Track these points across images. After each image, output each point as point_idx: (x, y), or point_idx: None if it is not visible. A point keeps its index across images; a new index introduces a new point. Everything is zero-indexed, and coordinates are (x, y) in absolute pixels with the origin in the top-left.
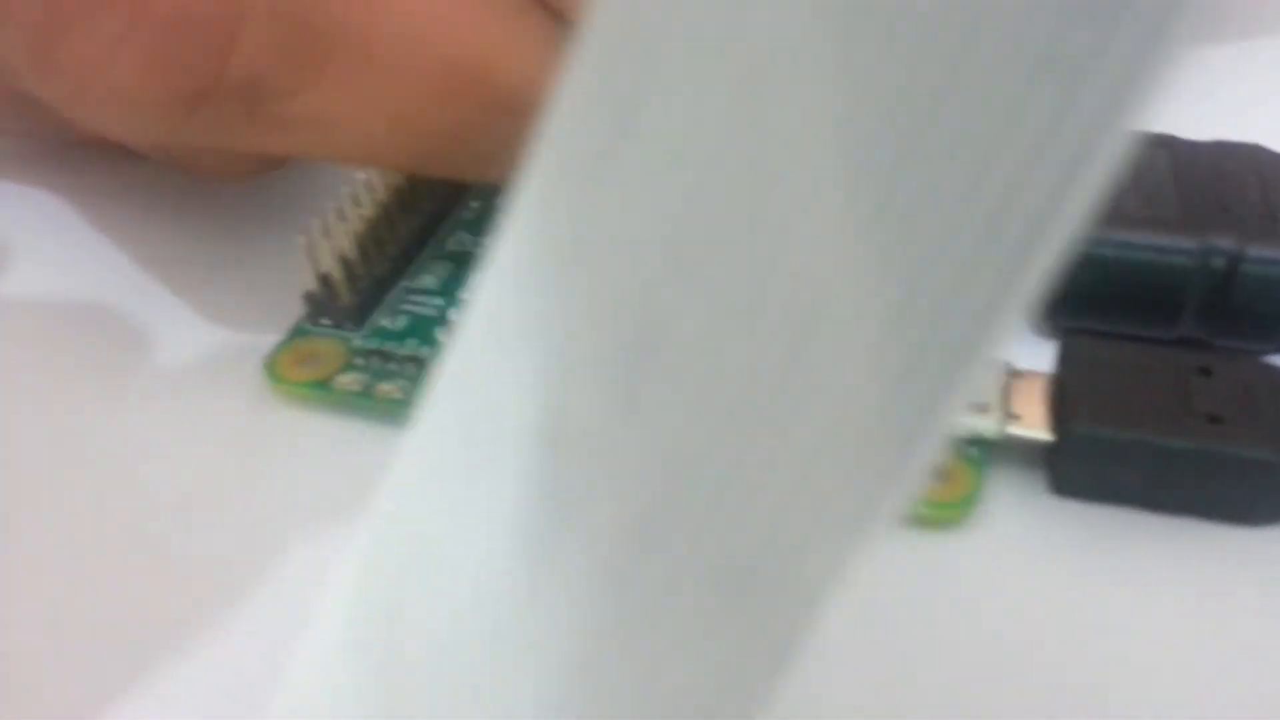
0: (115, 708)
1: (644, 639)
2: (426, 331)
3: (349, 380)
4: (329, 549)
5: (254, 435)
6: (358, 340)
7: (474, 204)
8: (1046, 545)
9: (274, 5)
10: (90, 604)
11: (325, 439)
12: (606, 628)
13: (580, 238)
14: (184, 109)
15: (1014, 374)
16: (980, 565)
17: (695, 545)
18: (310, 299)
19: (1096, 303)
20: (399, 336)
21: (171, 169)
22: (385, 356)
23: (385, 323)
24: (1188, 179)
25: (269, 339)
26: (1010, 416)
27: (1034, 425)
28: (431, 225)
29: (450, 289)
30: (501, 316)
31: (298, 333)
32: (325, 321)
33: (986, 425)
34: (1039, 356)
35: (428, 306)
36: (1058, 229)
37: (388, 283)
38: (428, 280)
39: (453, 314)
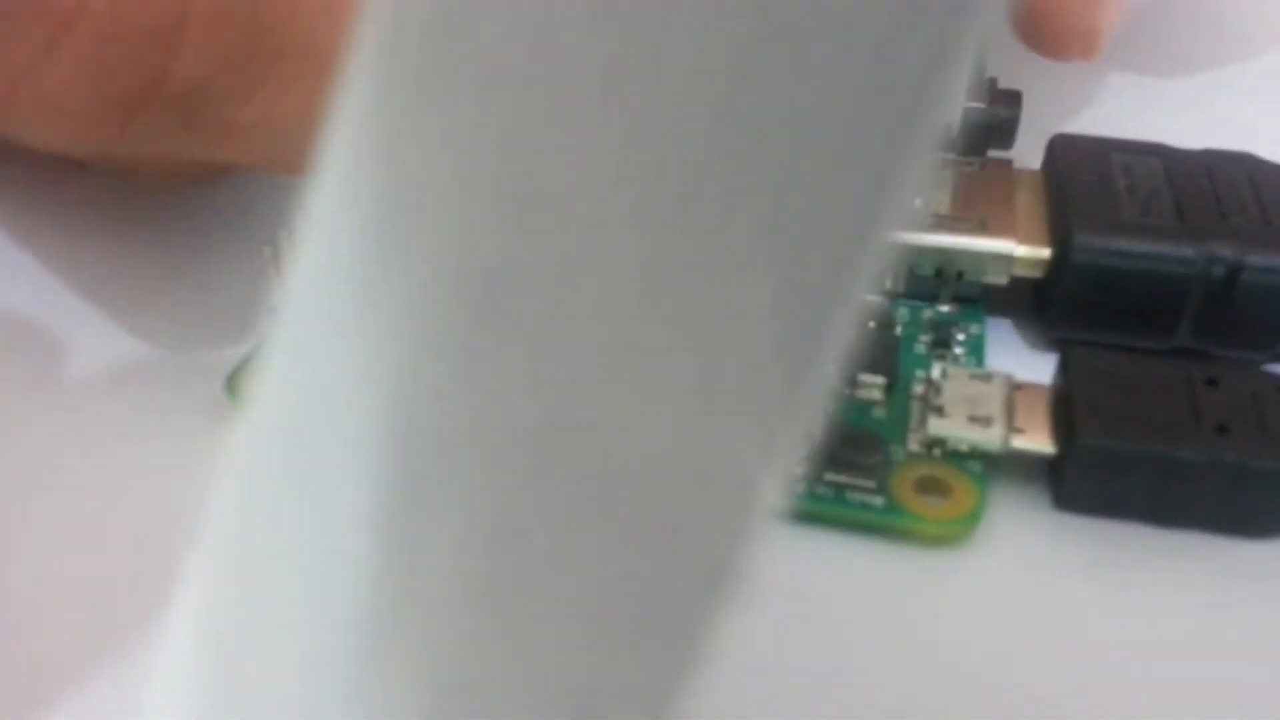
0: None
1: (525, 632)
2: None
3: None
4: None
5: (215, 454)
6: None
7: None
8: (1051, 561)
9: (217, 7)
10: (42, 624)
11: None
12: (484, 628)
13: (406, 191)
14: (121, 117)
15: (1015, 386)
16: (984, 583)
17: (574, 518)
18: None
19: (1095, 313)
20: None
21: (118, 178)
22: None
23: None
24: (1183, 187)
25: (231, 354)
26: (1013, 430)
27: (1037, 438)
28: None
29: None
30: (326, 299)
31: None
32: None
33: (989, 439)
34: (1038, 369)
35: None
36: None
37: None
38: None
39: None
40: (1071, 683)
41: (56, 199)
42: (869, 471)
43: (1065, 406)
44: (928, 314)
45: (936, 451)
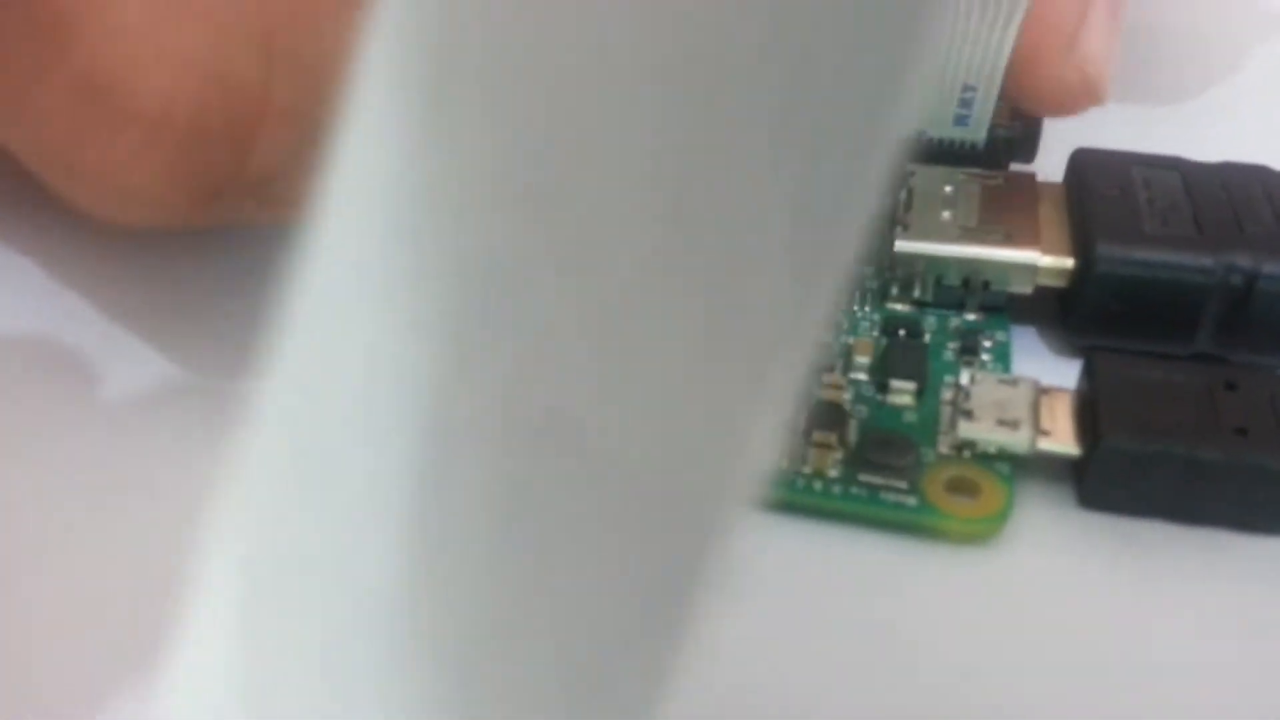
0: None
1: (541, 596)
2: None
3: None
4: None
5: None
6: None
7: None
8: (1076, 558)
9: (292, 106)
10: (85, 646)
11: None
12: (505, 594)
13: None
14: (201, 204)
15: (1041, 391)
16: (1013, 579)
17: (582, 486)
18: None
19: (1117, 320)
20: None
21: None
22: None
23: None
24: (1201, 200)
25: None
26: (1039, 432)
27: (1063, 440)
28: None
29: None
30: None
31: None
32: None
33: (1016, 441)
34: (1063, 374)
35: None
36: None
37: None
38: None
39: None
40: (1098, 675)
41: (93, 222)
42: (902, 473)
43: (1090, 410)
44: (955, 322)
45: (966, 453)
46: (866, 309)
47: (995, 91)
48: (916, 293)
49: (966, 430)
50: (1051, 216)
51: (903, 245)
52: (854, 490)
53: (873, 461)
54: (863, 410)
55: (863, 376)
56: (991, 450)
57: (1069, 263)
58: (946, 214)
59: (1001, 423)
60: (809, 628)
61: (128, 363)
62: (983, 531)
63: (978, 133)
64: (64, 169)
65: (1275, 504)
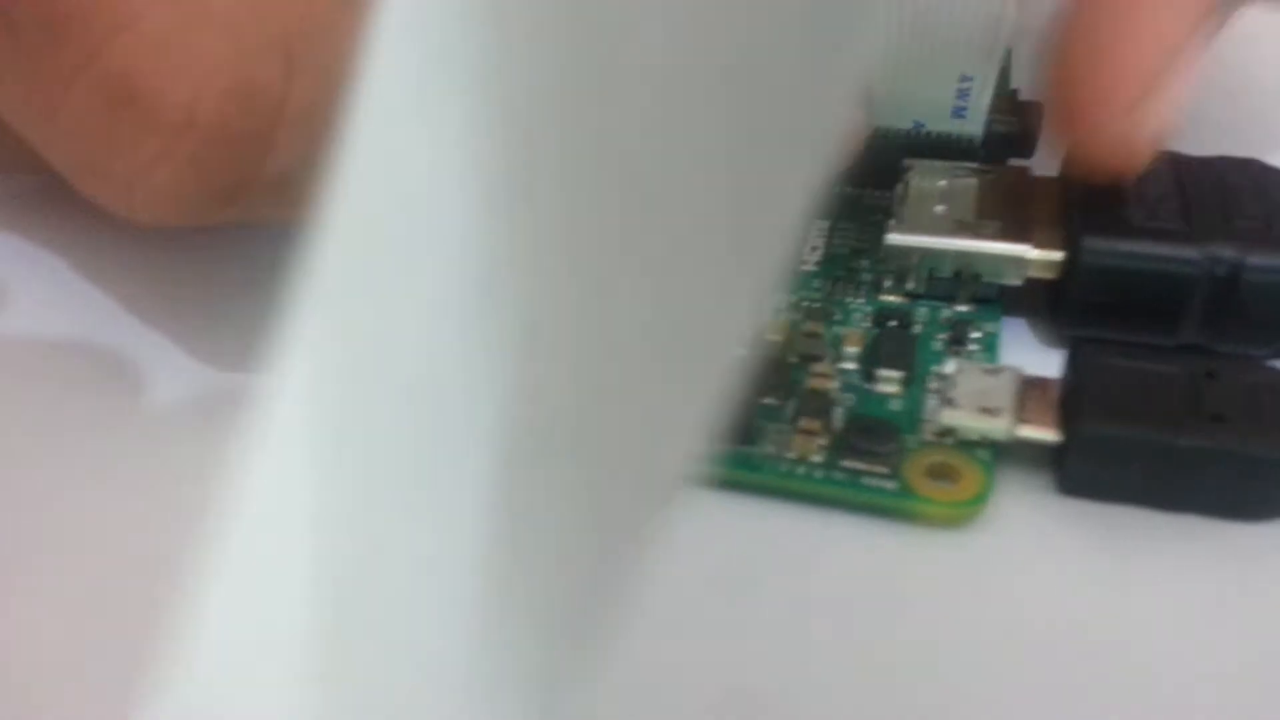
0: None
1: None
2: None
3: None
4: None
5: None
6: None
7: None
8: (1055, 542)
9: (308, 108)
10: (86, 639)
11: None
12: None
13: None
14: (222, 203)
15: (1027, 380)
16: (990, 562)
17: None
18: None
19: (1104, 311)
20: None
21: None
22: None
23: None
24: (1191, 191)
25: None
26: (1020, 420)
27: (1043, 427)
28: None
29: None
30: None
31: None
32: None
33: (996, 428)
34: (1052, 365)
35: None
36: None
37: None
38: None
39: None
40: (1074, 658)
41: (117, 221)
42: (884, 459)
43: (1072, 398)
44: (946, 313)
45: (948, 440)
46: (860, 300)
47: (993, 80)
48: (910, 285)
49: (948, 417)
50: (1046, 210)
51: (895, 238)
52: (836, 475)
53: (856, 447)
54: (850, 398)
55: (852, 366)
56: (973, 437)
57: (1059, 255)
58: (941, 208)
59: (983, 410)
60: (790, 609)
61: (160, 361)
62: (960, 515)
63: (975, 126)
64: (91, 171)
65: (1252, 490)
